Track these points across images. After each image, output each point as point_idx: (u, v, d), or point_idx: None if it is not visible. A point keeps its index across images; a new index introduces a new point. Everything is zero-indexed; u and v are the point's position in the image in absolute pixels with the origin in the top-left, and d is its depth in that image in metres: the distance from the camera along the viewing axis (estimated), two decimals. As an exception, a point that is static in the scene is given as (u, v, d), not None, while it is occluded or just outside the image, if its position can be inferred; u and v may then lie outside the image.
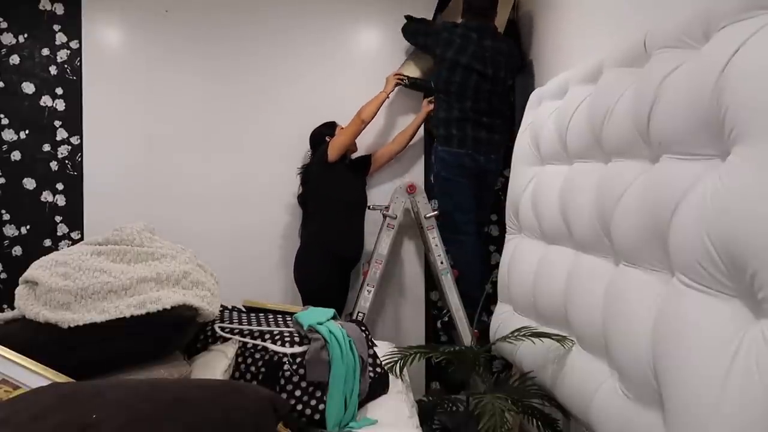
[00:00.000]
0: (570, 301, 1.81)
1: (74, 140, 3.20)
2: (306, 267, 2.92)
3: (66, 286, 1.52)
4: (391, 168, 3.27)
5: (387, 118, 3.25)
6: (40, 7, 3.17)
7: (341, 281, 3.00)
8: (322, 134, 3.02)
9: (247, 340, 1.80)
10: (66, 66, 3.19)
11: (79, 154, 3.21)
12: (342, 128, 3.00)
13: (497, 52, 2.87)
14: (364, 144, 3.17)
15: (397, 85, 3.05)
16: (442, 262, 2.82)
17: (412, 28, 3.11)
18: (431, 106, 3.07)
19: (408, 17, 3.12)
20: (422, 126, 3.27)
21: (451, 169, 2.93)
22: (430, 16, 3.17)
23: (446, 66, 2.89)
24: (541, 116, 2.25)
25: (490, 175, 3.03)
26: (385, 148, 3.17)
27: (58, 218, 3.21)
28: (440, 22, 3.04)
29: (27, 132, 3.18)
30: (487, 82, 2.88)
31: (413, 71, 3.16)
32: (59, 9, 3.18)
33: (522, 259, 2.26)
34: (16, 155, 3.18)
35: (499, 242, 2.94)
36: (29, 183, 3.19)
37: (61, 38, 3.19)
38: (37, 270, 1.61)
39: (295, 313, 2.02)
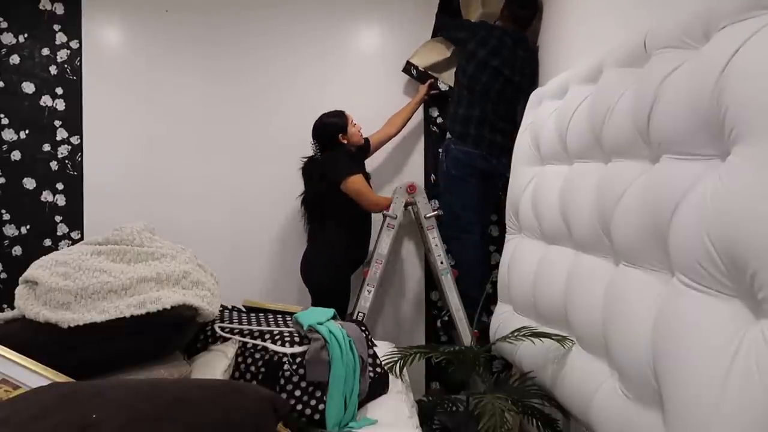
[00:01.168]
0: (570, 301, 1.81)
1: (74, 140, 3.20)
2: (323, 269, 2.88)
3: (66, 285, 1.52)
4: (391, 168, 3.27)
5: (384, 105, 3.23)
6: (40, 7, 3.17)
7: (349, 284, 3.00)
8: (335, 128, 2.85)
9: (247, 340, 1.80)
10: (66, 66, 3.19)
11: (79, 154, 3.21)
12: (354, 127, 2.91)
13: (527, 63, 2.89)
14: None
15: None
16: (442, 262, 2.82)
17: (447, 21, 3.11)
18: (429, 90, 3.10)
19: (439, 13, 3.14)
20: (423, 126, 3.27)
21: (462, 168, 2.93)
22: (432, 14, 3.16)
23: (475, 63, 2.88)
24: (541, 116, 2.25)
25: (498, 178, 3.04)
26: (381, 131, 3.10)
27: (58, 218, 3.21)
28: (481, 22, 3.02)
29: (27, 132, 3.18)
30: (512, 88, 2.88)
31: (423, 60, 3.15)
32: (59, 9, 3.18)
33: (522, 259, 2.26)
34: (16, 155, 3.18)
35: (499, 242, 2.94)
36: (29, 183, 3.19)
37: (61, 38, 3.19)
38: (37, 270, 1.61)
39: (295, 313, 2.02)
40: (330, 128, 2.86)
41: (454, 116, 2.97)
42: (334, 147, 2.86)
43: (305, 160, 2.93)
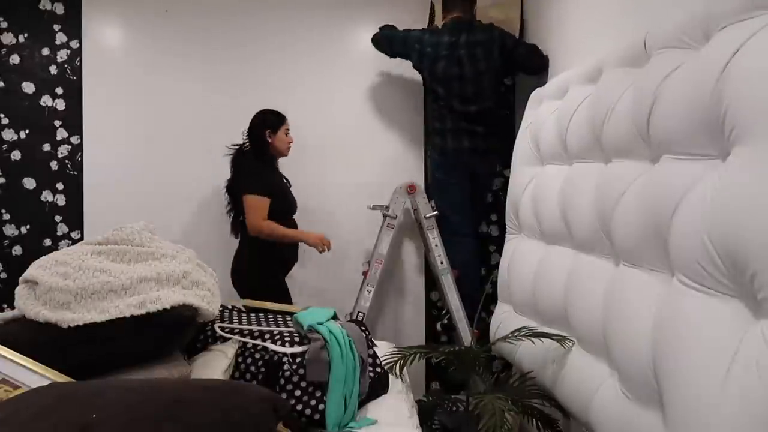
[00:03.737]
0: (570, 302, 1.81)
1: (74, 140, 3.20)
2: (249, 276, 2.78)
3: (66, 285, 1.52)
4: (391, 168, 3.27)
5: (384, 107, 3.24)
6: (40, 7, 3.17)
7: (284, 286, 2.89)
8: (265, 123, 2.79)
9: (247, 340, 1.80)
10: (66, 66, 3.19)
11: (79, 154, 3.21)
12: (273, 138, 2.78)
13: (473, 44, 2.79)
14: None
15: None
16: (442, 262, 2.82)
17: (381, 36, 3.00)
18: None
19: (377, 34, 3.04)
20: (423, 127, 3.26)
21: (446, 171, 2.92)
22: (425, 17, 3.16)
23: (428, 79, 2.90)
24: (541, 116, 2.25)
25: (484, 177, 3.04)
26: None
27: (58, 218, 3.21)
28: (412, 32, 2.94)
29: (27, 132, 3.18)
30: (470, 84, 2.80)
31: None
32: (59, 9, 3.18)
33: (522, 259, 2.26)
34: (16, 155, 3.18)
35: (499, 242, 2.94)
36: (29, 183, 3.19)
37: (61, 38, 3.19)
38: (37, 270, 1.61)
39: (295, 313, 2.02)
40: (261, 121, 2.80)
41: (432, 129, 2.97)
42: (259, 142, 2.79)
43: (235, 147, 2.85)
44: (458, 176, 2.92)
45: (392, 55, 3.04)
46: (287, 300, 2.78)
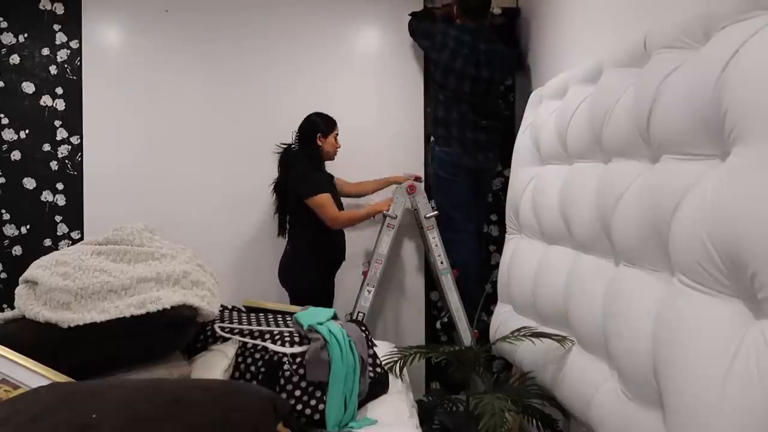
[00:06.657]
0: (570, 301, 1.81)
1: (74, 140, 3.20)
2: (299, 273, 2.86)
3: (66, 285, 1.52)
4: (391, 168, 3.27)
5: (383, 106, 3.25)
6: (40, 7, 3.17)
7: (330, 285, 2.98)
8: (318, 126, 2.83)
9: (247, 340, 1.80)
10: (66, 66, 3.19)
11: (79, 154, 3.20)
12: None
13: (492, 54, 2.88)
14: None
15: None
16: (442, 262, 2.82)
17: (415, 26, 3.11)
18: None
19: (413, 14, 3.12)
20: (423, 126, 3.26)
21: (448, 168, 2.94)
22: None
23: (440, 69, 2.92)
24: (541, 116, 2.25)
25: (486, 174, 3.05)
26: (349, 187, 3.05)
27: (58, 218, 3.21)
28: (438, 23, 3.02)
29: (27, 132, 3.18)
30: (483, 84, 2.90)
31: None
32: (59, 9, 3.18)
33: (522, 259, 2.26)
34: (16, 155, 3.18)
35: (499, 242, 2.94)
36: (29, 183, 3.19)
37: (61, 38, 3.19)
38: (37, 270, 1.62)
39: (295, 313, 2.02)
40: (313, 125, 2.85)
41: (435, 120, 3.00)
42: (310, 145, 2.84)
43: (283, 147, 2.89)
44: (462, 174, 2.93)
45: (419, 46, 3.13)
46: (331, 300, 2.89)
